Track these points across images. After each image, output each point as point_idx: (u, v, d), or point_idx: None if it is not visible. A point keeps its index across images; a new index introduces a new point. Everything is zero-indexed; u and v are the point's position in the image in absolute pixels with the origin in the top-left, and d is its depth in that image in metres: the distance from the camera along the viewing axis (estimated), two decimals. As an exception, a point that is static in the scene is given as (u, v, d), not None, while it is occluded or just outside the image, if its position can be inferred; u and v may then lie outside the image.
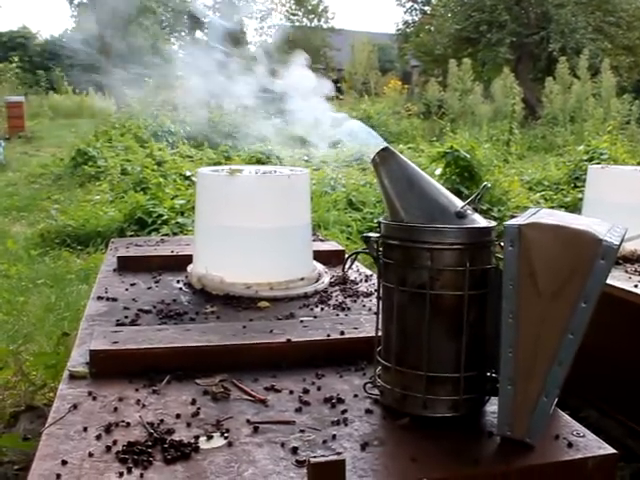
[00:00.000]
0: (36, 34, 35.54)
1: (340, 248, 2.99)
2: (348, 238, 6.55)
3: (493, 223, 1.49)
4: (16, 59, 19.11)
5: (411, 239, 1.43)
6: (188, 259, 2.56)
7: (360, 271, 2.67)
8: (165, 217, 6.72)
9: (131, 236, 6.11)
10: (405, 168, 1.54)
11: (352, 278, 2.57)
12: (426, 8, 29.05)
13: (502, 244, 1.36)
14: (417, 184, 1.51)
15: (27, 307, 4.53)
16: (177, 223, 6.60)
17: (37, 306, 4.57)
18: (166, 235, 6.14)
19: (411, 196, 1.49)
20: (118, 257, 2.73)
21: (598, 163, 8.02)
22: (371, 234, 1.53)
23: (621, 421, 2.67)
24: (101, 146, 11.35)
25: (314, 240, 3.05)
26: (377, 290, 1.55)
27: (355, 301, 2.30)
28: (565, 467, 1.32)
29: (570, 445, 1.37)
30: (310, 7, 36.11)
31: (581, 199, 4.43)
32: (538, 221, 1.35)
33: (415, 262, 1.42)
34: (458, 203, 1.51)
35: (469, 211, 1.48)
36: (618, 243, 1.32)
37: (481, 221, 1.49)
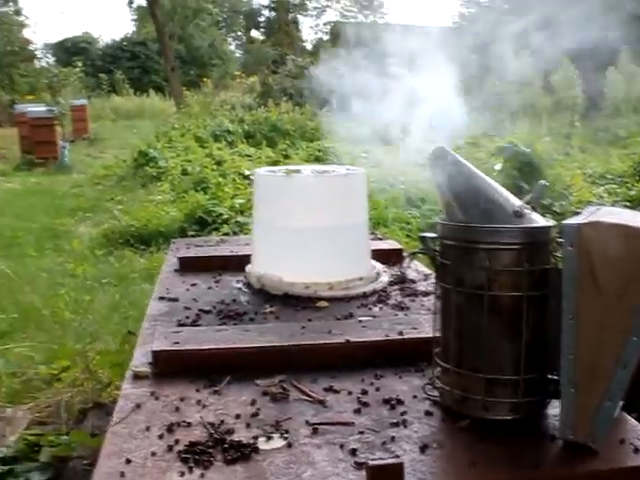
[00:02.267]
0: (98, 38, 36.41)
1: (399, 247, 2.98)
2: (408, 235, 6.51)
3: (552, 222, 1.47)
4: (79, 63, 19.57)
5: (468, 239, 1.42)
6: (247, 259, 2.59)
7: (419, 270, 2.65)
8: (225, 216, 6.80)
9: (192, 236, 6.21)
10: (461, 167, 1.53)
11: (411, 277, 2.56)
12: (482, 0, 28.64)
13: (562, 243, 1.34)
14: (473, 183, 1.50)
15: (93, 306, 4.65)
16: (237, 222, 6.68)
17: (102, 305, 4.69)
18: (226, 234, 6.22)
19: (467, 195, 1.48)
20: (179, 258, 2.78)
21: (664, 155, 7.79)
22: (428, 234, 1.52)
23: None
24: (162, 147, 11.57)
25: (372, 239, 3.04)
26: (435, 291, 1.54)
27: (414, 300, 2.29)
28: (631, 473, 1.28)
29: (637, 450, 1.33)
30: (365, 3, 36.03)
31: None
32: (598, 220, 1.32)
33: (472, 262, 1.41)
34: (516, 202, 1.49)
35: (527, 210, 1.46)
36: (683, 242, 1.28)
37: (539, 220, 1.47)
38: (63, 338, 3.81)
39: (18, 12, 31.46)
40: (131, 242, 6.72)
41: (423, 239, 1.53)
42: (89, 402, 2.91)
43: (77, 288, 5.09)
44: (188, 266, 2.73)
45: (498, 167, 7.53)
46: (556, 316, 1.36)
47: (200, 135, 12.76)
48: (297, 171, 2.55)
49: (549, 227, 1.45)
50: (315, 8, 36.43)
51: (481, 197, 1.49)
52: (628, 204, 6.92)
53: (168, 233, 6.61)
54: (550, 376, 1.44)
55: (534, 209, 1.51)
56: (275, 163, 9.47)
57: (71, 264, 5.84)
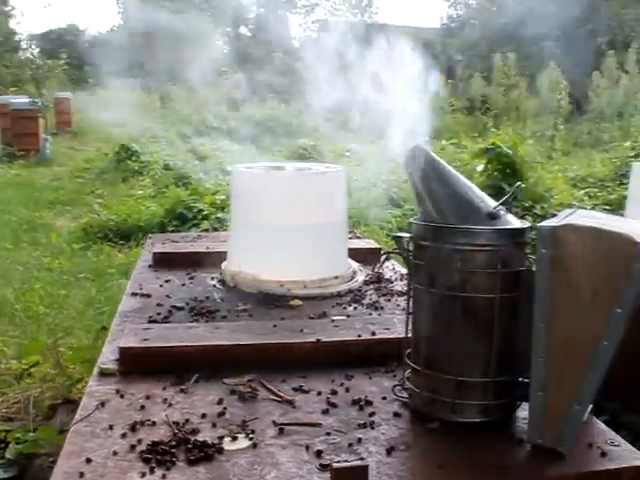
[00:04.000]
0: (84, 31, 36.10)
1: (376, 246, 2.96)
2: (388, 235, 6.50)
3: (526, 224, 1.45)
4: (64, 55, 19.38)
5: (442, 240, 1.40)
6: (223, 256, 2.56)
7: (396, 269, 2.64)
8: (206, 212, 6.75)
9: (172, 231, 6.16)
10: (437, 167, 1.51)
11: (387, 277, 2.54)
12: (471, 2, 28.75)
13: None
14: (449, 183, 1.48)
15: (68, 301, 4.59)
16: (217, 218, 6.63)
17: (78, 300, 4.63)
18: (206, 230, 6.17)
19: (442, 196, 1.46)
20: (154, 253, 2.75)
21: (645, 160, 7.83)
22: (402, 234, 1.50)
23: (664, 426, 2.59)
24: (145, 141, 11.48)
25: (350, 237, 3.03)
26: (407, 291, 1.52)
27: (389, 300, 2.27)
28: (598, 478, 1.27)
29: (604, 454, 1.32)
30: (354, 1, 35.99)
31: (626, 197, 4.32)
32: (572, 223, 1.31)
33: (446, 263, 1.39)
34: (491, 203, 1.47)
35: (502, 211, 1.44)
36: (657, 246, 1.27)
37: (514, 222, 1.45)
38: (36, 333, 3.76)
39: (5, 1, 31.11)
40: (110, 237, 6.65)
41: (397, 239, 1.51)
42: (59, 398, 2.87)
43: (53, 282, 5.03)
44: (163, 262, 2.70)
45: (480, 168, 7.54)
46: (528, 319, 1.34)
47: (183, 130, 12.69)
48: (276, 168, 2.53)
49: (523, 229, 1.44)
50: (304, 6, 36.34)
51: (456, 197, 1.47)
52: (608, 208, 6.94)
53: (148, 228, 6.55)
54: (521, 379, 1.43)
55: (509, 210, 1.49)
56: (258, 160, 9.43)
57: (48, 258, 5.77)
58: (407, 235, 1.48)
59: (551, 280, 1.29)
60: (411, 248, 1.48)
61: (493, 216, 1.42)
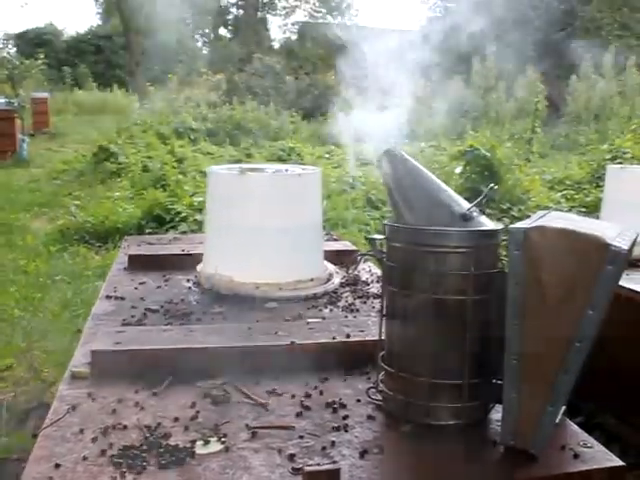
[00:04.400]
0: (62, 31, 35.80)
1: (353, 248, 2.96)
2: (366, 237, 6.50)
3: (499, 226, 1.45)
4: (42, 56, 19.21)
5: (415, 242, 1.39)
6: (199, 258, 2.54)
7: (372, 271, 2.63)
8: (183, 214, 6.72)
9: (149, 233, 6.12)
10: (410, 169, 1.51)
11: (364, 279, 2.54)
12: (450, 5, 28.88)
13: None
14: (422, 185, 1.48)
15: (44, 303, 4.55)
16: (195, 220, 6.60)
17: (54, 303, 4.59)
18: (184, 232, 6.14)
19: (416, 198, 1.46)
20: (129, 255, 2.73)
21: (621, 162, 7.89)
22: (376, 236, 1.50)
23: (638, 427, 2.61)
24: (123, 143, 11.41)
25: (327, 240, 3.02)
26: (381, 293, 1.52)
27: (365, 302, 2.27)
28: (569, 479, 1.28)
29: (576, 456, 1.32)
30: (334, 4, 36.04)
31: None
32: (544, 224, 1.31)
33: (419, 265, 1.38)
34: (464, 205, 1.47)
35: (475, 213, 1.44)
36: (627, 248, 1.28)
37: (487, 223, 1.45)
38: (10, 336, 3.72)
39: (-20, 2, 30.78)
40: (87, 239, 6.60)
41: (371, 241, 1.50)
42: (33, 402, 2.84)
43: (28, 285, 4.98)
44: (138, 264, 2.67)
45: (459, 170, 7.57)
46: (501, 321, 1.34)
47: (162, 132, 12.62)
48: (253, 170, 2.51)
49: (496, 231, 1.44)
50: (284, 8, 36.30)
51: (429, 199, 1.47)
52: (584, 210, 7.00)
53: (125, 230, 6.50)
54: (494, 381, 1.43)
55: (482, 212, 1.49)
56: (237, 162, 9.40)
57: (24, 260, 5.71)
58: (381, 237, 1.48)
59: (523, 282, 1.29)
60: (385, 250, 1.48)
61: (466, 218, 1.42)
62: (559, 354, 1.29)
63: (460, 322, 1.38)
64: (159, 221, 6.74)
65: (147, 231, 6.41)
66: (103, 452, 1.30)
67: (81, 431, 1.38)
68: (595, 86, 15.67)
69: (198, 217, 6.60)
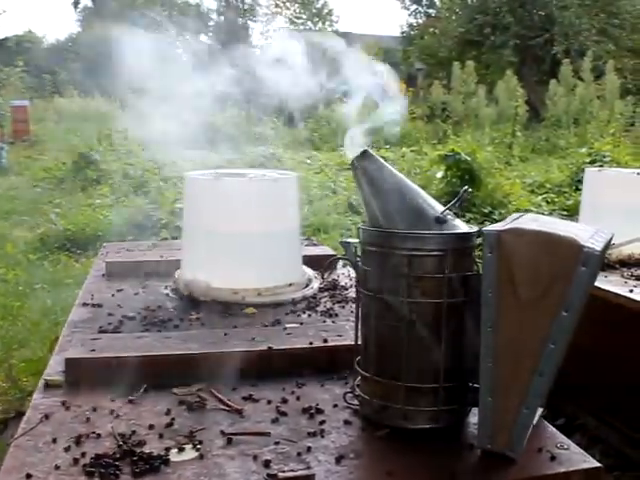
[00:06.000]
0: (42, 38, 35.61)
1: (332, 253, 2.95)
2: (340, 241, 6.48)
3: (474, 228, 1.45)
4: (21, 63, 19.09)
5: (388, 245, 1.39)
6: (177, 264, 2.53)
7: (351, 276, 2.62)
8: (165, 221, 6.69)
9: (131, 240, 6.08)
10: (385, 172, 1.50)
11: (342, 283, 2.53)
12: (430, 11, 29.02)
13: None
14: (396, 188, 1.48)
15: (23, 312, 4.50)
16: (177, 227, 6.57)
17: (33, 311, 4.54)
18: (165, 239, 6.11)
19: (390, 201, 1.45)
20: (106, 262, 2.71)
21: (601, 165, 7.96)
22: (350, 240, 1.49)
23: (619, 429, 2.62)
24: (103, 150, 11.34)
25: (306, 245, 3.02)
26: (356, 297, 1.51)
27: (344, 307, 2.26)
28: (547, 481, 1.27)
29: (553, 458, 1.32)
30: (315, 10, 36.13)
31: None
32: (518, 226, 1.31)
33: (392, 269, 1.38)
34: (439, 208, 1.47)
35: (450, 216, 1.44)
36: (601, 249, 1.28)
37: (462, 226, 1.45)
38: (-12, 345, 3.68)
39: (-40, 8, 30.57)
40: (67, 246, 6.54)
41: (345, 245, 1.50)
42: (11, 412, 2.80)
43: (7, 293, 4.92)
44: (116, 271, 2.65)
45: (440, 175, 7.58)
46: (477, 324, 1.34)
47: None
48: (230, 175, 2.50)
49: (471, 233, 1.44)
50: (265, 14, 36.35)
51: (403, 202, 1.46)
52: (565, 213, 7.04)
53: (106, 238, 6.44)
54: (471, 384, 1.43)
55: (457, 215, 1.49)
56: (218, 167, 9.37)
57: (2, 269, 5.65)
58: (355, 241, 1.47)
59: (497, 284, 1.29)
60: (359, 254, 1.48)
61: (440, 221, 1.42)
62: (534, 356, 1.29)
63: (435, 325, 1.37)
64: (140, 228, 6.70)
65: (129, 238, 6.37)
66: (76, 461, 1.28)
67: (54, 440, 1.36)
68: (574, 90, 15.79)
69: (180, 224, 6.56)
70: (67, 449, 1.33)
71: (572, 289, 1.26)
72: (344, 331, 1.86)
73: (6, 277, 5.44)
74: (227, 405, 1.52)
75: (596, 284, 1.65)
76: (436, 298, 1.37)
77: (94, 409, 1.51)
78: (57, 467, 1.26)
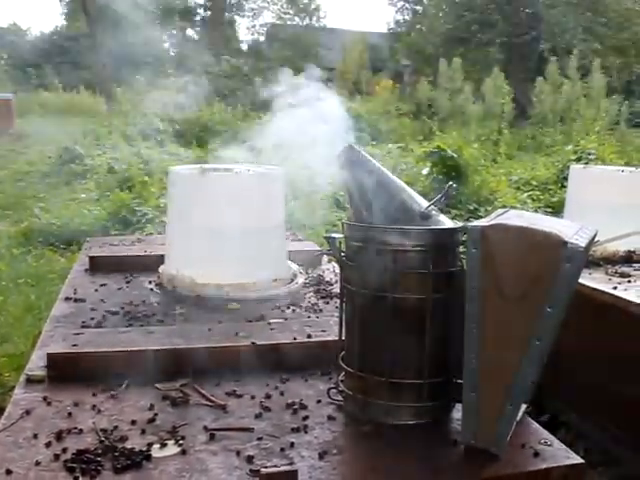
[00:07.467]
0: (26, 31, 35.34)
1: (317, 248, 2.94)
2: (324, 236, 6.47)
3: (459, 224, 1.45)
4: (5, 56, 18.93)
5: (373, 240, 1.38)
6: (161, 259, 2.51)
7: (336, 271, 2.62)
8: (150, 216, 6.66)
9: (115, 235, 6.05)
10: (369, 167, 1.50)
11: (327, 279, 2.53)
12: (417, 7, 29.03)
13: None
14: (381, 184, 1.47)
15: (6, 307, 4.46)
16: (162, 222, 6.54)
17: (16, 306, 4.50)
18: (150, 234, 6.08)
19: (374, 196, 1.45)
20: (90, 257, 2.68)
21: (586, 163, 7.99)
22: (334, 234, 1.48)
23: (602, 425, 2.63)
24: (89, 144, 11.28)
25: (292, 240, 3.01)
26: (340, 293, 1.51)
27: (328, 302, 2.26)
28: (528, 477, 1.27)
29: (536, 454, 1.33)
30: (302, 6, 36.02)
31: (566, 199, 4.38)
32: (502, 222, 1.31)
33: (376, 264, 1.37)
34: (423, 203, 1.47)
35: (434, 212, 1.43)
36: (585, 245, 1.28)
37: (446, 222, 1.45)
38: (-31, 340, 3.64)
39: (-59, 1, 30.24)
40: (52, 241, 6.49)
41: (329, 240, 1.49)
42: (-8, 407, 2.77)
43: (-10, 288, 4.88)
44: (99, 266, 2.64)
45: (425, 171, 7.59)
46: (461, 319, 1.34)
47: (129, 133, 12.49)
48: (215, 170, 2.49)
49: (455, 229, 1.43)
50: (252, 9, 36.18)
51: (388, 197, 1.46)
52: (550, 210, 7.06)
53: (90, 232, 6.40)
54: (455, 380, 1.43)
55: (442, 212, 1.49)
56: (204, 163, 9.33)
57: (-15, 264, 5.60)
58: (339, 235, 1.47)
59: (481, 280, 1.29)
60: (343, 249, 1.47)
61: (425, 216, 1.42)
62: (518, 352, 1.28)
63: (419, 321, 1.37)
64: (125, 223, 6.66)
65: (113, 233, 6.33)
66: (57, 457, 1.27)
67: (35, 436, 1.35)
68: (561, 88, 15.85)
69: (165, 219, 6.53)
70: (48, 445, 1.32)
71: (556, 285, 1.26)
72: (328, 326, 1.85)
73: (-11, 272, 5.39)
74: (210, 400, 1.51)
75: (580, 281, 1.65)
76: (420, 293, 1.37)
77: (76, 404, 1.49)
78: (38, 463, 1.25)
